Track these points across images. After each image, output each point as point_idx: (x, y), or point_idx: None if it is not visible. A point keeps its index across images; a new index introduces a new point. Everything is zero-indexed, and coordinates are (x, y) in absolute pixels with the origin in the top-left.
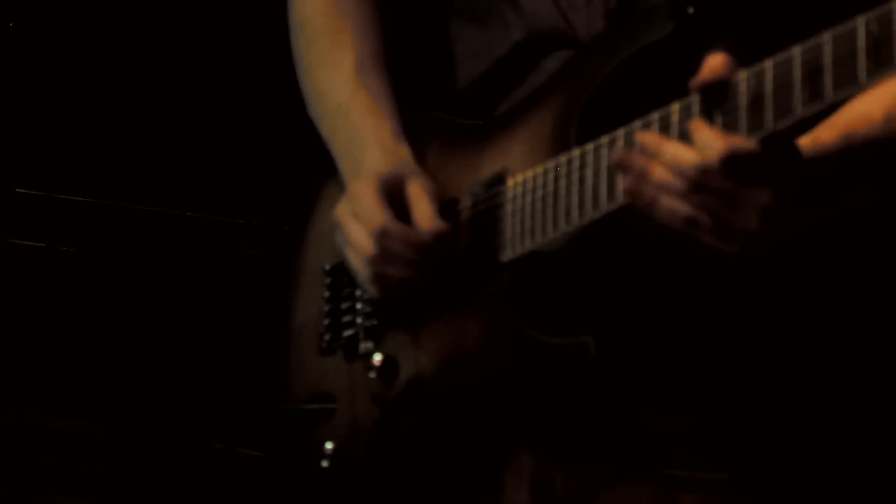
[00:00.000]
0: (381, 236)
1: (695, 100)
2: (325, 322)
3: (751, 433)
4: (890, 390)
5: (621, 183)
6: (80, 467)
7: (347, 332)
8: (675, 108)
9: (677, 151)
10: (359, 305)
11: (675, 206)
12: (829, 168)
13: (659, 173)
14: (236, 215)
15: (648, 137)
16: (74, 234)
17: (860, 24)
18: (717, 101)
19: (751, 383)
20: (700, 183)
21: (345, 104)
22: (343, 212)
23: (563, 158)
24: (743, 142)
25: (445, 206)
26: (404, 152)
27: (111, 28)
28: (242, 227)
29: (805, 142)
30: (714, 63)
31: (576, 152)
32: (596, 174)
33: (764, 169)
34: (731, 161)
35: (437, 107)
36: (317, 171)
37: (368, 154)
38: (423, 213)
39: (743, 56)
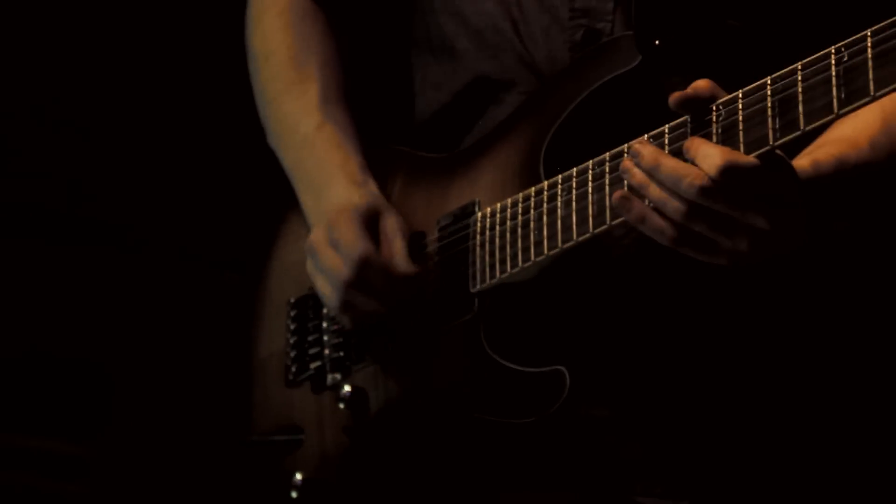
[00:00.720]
0: (362, 265)
1: (666, 129)
2: (292, 354)
3: (711, 461)
4: (849, 416)
5: (615, 194)
6: (58, 488)
7: (314, 364)
8: (666, 128)
9: (676, 169)
10: (325, 337)
11: (665, 226)
12: (825, 190)
13: (654, 190)
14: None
15: (647, 150)
16: (48, 254)
17: (832, 52)
18: (706, 123)
19: (712, 411)
20: (698, 206)
21: (310, 137)
22: (319, 239)
23: (532, 190)
24: (743, 156)
25: (413, 239)
26: (373, 186)
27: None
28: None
29: (803, 163)
30: (699, 85)
31: (545, 184)
32: (567, 205)
33: (762, 186)
34: (731, 173)
35: (398, 138)
36: (279, 202)
37: (335, 186)
38: (398, 252)
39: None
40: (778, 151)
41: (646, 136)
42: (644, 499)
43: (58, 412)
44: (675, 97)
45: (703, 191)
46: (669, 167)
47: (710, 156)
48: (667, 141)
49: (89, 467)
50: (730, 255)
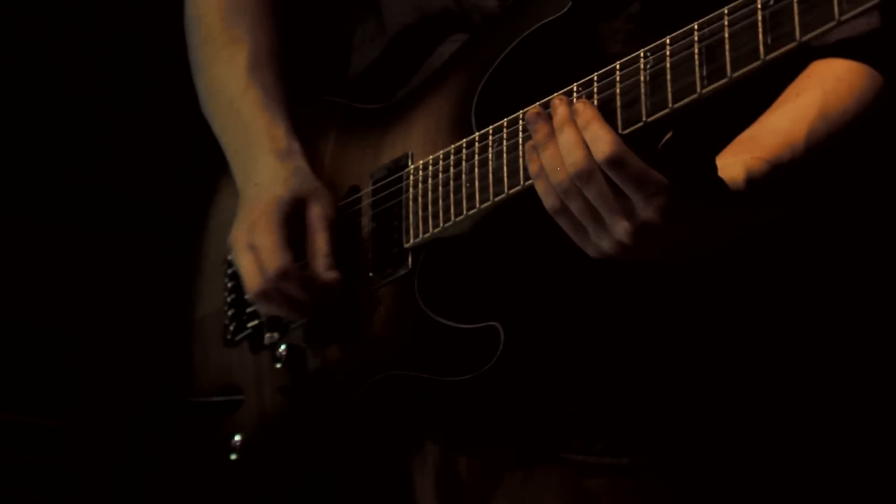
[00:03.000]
0: (278, 278)
1: (595, 77)
2: (229, 313)
3: (650, 417)
4: (778, 365)
5: (528, 142)
6: (28, 461)
7: (252, 323)
8: (574, 87)
9: (570, 142)
10: None
11: (548, 191)
12: (758, 196)
13: (551, 153)
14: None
15: (560, 109)
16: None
17: None
18: (633, 71)
19: (651, 367)
20: (576, 185)
21: (236, 101)
22: (240, 239)
23: (463, 142)
24: (633, 155)
25: (346, 193)
26: (297, 156)
27: None
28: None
29: (737, 172)
30: None
31: (476, 135)
32: (498, 156)
33: (642, 190)
34: (614, 166)
35: (334, 92)
36: (215, 162)
37: (262, 159)
38: (321, 254)
39: (641, 35)
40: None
41: (575, 84)
42: (585, 456)
43: (24, 383)
44: None
45: (582, 172)
46: (569, 138)
47: (600, 139)
48: (595, 90)
49: (56, 438)
50: (595, 248)
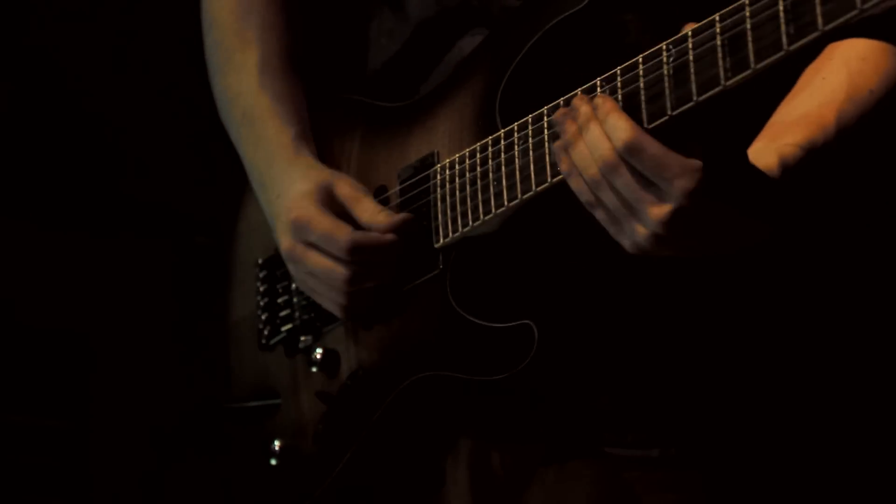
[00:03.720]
0: (355, 252)
1: (618, 71)
2: (263, 317)
3: (678, 409)
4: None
5: (556, 142)
6: (48, 464)
7: (286, 327)
8: (598, 81)
9: (596, 136)
10: (295, 299)
11: (582, 186)
12: (796, 184)
13: (580, 149)
14: (184, 205)
15: (583, 108)
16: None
17: None
18: (657, 64)
19: (678, 359)
20: (605, 177)
21: (248, 111)
22: (294, 246)
23: (489, 139)
24: (652, 139)
25: (374, 193)
26: (306, 155)
27: None
28: (191, 218)
29: (771, 160)
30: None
31: (501, 133)
32: (524, 154)
33: (663, 176)
34: (633, 152)
35: (353, 89)
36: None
37: (275, 170)
38: (371, 210)
39: (662, 29)
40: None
41: (598, 80)
42: (613, 449)
43: (42, 386)
44: None
45: (608, 165)
46: (594, 133)
47: (618, 129)
48: (619, 84)
49: (76, 441)
50: (631, 239)
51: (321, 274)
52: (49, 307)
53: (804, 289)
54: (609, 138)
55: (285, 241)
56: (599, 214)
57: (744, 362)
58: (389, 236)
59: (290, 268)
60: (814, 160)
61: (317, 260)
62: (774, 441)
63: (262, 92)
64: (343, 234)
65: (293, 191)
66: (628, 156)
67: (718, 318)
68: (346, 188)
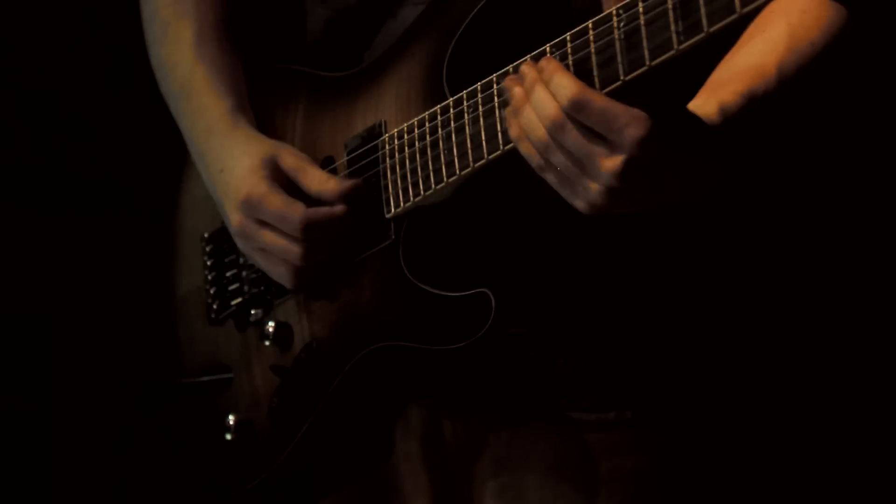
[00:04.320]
0: (308, 229)
1: (567, 37)
2: (211, 291)
3: (634, 370)
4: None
5: (506, 108)
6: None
7: (235, 301)
8: (547, 48)
9: (541, 98)
10: (244, 273)
11: (531, 151)
12: (736, 131)
13: (527, 113)
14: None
15: (529, 72)
16: None
17: None
18: (607, 30)
19: (633, 321)
20: (554, 138)
21: (185, 84)
22: (245, 224)
23: (437, 108)
24: (596, 93)
25: (321, 164)
26: (244, 125)
27: None
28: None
29: (711, 108)
30: None
31: (450, 101)
32: (475, 122)
33: (612, 129)
34: (579, 108)
35: (293, 59)
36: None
37: (215, 142)
38: (319, 178)
39: None
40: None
41: (547, 46)
42: (569, 413)
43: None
44: None
45: (555, 124)
46: (540, 95)
47: (562, 87)
48: (569, 50)
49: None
50: (585, 201)
51: (275, 251)
52: (5, 289)
53: (758, 251)
54: (554, 97)
55: (235, 218)
56: (550, 178)
57: (696, 322)
58: (340, 207)
59: (240, 243)
60: (754, 108)
61: (270, 238)
62: (729, 403)
63: (199, 63)
64: (296, 212)
65: (238, 167)
66: (575, 112)
67: (670, 279)
68: (290, 158)
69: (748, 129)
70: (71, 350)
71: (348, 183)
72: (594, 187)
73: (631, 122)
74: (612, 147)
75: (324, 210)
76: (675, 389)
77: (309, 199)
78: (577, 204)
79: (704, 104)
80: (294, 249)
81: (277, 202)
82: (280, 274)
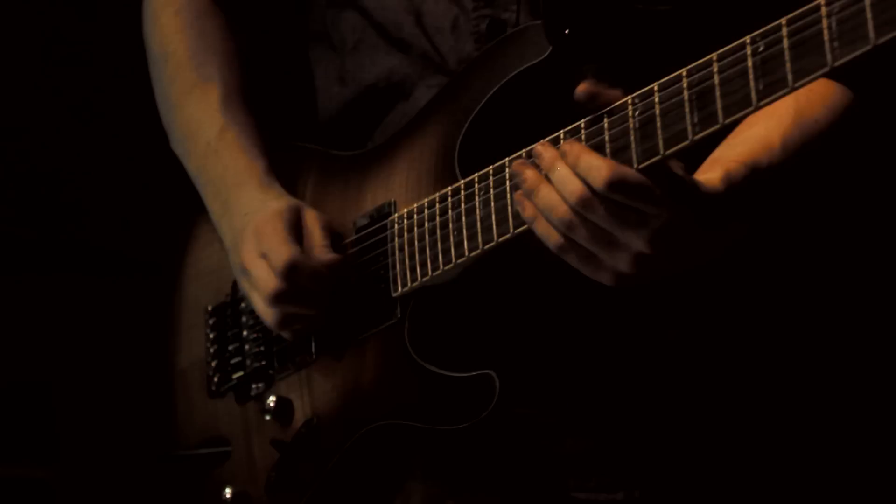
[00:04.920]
0: (290, 271)
1: (582, 124)
2: (213, 364)
3: (643, 451)
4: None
5: (516, 192)
6: None
7: (237, 374)
8: (561, 134)
9: (565, 175)
10: (246, 346)
11: (549, 230)
12: (739, 200)
13: (545, 193)
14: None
15: (547, 153)
16: None
17: (747, 42)
18: (622, 118)
19: (645, 402)
20: (580, 214)
21: (213, 142)
22: (248, 253)
23: (448, 189)
24: (631, 171)
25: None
26: (279, 189)
27: None
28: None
29: (713, 177)
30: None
31: (462, 183)
32: (485, 204)
33: (645, 205)
34: (617, 188)
35: (305, 136)
36: (188, 204)
37: (244, 195)
38: (318, 243)
39: (625, 82)
40: (673, 166)
41: (562, 132)
42: (577, 493)
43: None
44: (583, 89)
45: (582, 200)
46: (563, 173)
47: (594, 167)
48: (583, 137)
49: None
50: (612, 273)
51: (259, 287)
52: (8, 356)
53: (769, 334)
54: (582, 178)
55: (241, 251)
56: (571, 256)
57: (705, 405)
58: (324, 270)
59: (242, 280)
60: (757, 179)
61: (259, 267)
62: (739, 486)
63: (229, 124)
64: (285, 250)
65: (265, 210)
66: (611, 191)
67: (678, 358)
68: (311, 216)
69: (751, 199)
70: (71, 419)
71: (335, 256)
72: (622, 257)
73: (669, 192)
74: (645, 216)
75: (311, 262)
76: (685, 470)
77: None
78: (603, 277)
79: (709, 172)
80: (271, 283)
81: (276, 237)
82: (259, 307)
